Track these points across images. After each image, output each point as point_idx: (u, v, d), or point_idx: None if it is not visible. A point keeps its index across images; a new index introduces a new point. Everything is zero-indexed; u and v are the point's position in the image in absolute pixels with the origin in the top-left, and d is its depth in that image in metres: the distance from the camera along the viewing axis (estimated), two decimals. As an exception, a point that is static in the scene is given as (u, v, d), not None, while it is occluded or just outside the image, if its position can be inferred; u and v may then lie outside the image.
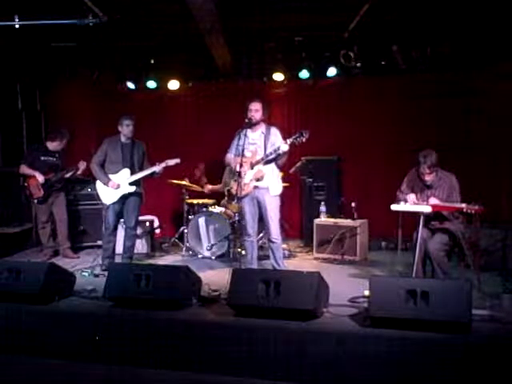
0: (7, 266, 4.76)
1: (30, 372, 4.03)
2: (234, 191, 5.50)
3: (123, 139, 5.93)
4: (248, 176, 5.30)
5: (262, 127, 5.39)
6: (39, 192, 6.42)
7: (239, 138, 5.28)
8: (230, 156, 5.51)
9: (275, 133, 5.39)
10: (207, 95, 7.86)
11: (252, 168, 5.31)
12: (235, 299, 4.23)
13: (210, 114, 7.82)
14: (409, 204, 4.88)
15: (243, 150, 5.25)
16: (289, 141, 5.16)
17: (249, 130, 5.31)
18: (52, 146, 6.61)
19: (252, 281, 4.20)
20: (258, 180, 5.31)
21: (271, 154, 5.24)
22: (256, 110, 5.30)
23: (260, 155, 5.30)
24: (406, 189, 5.09)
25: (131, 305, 4.39)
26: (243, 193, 5.30)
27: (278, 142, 5.30)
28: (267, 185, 5.33)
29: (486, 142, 7.11)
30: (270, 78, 7.52)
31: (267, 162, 5.30)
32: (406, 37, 6.65)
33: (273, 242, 5.37)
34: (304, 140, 5.15)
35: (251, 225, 5.42)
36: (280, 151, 5.18)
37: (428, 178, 4.92)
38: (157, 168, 5.87)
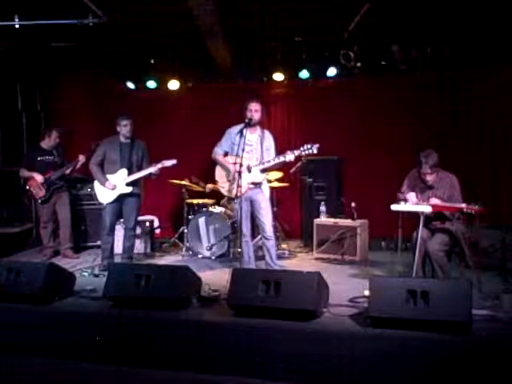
0: (7, 266, 4.76)
1: (30, 372, 4.03)
2: (225, 191, 5.48)
3: (122, 139, 5.93)
4: (245, 179, 5.27)
5: (259, 130, 5.41)
6: (41, 192, 6.43)
7: (240, 137, 5.26)
8: (220, 153, 5.48)
9: (269, 137, 5.42)
10: (207, 95, 7.86)
11: (249, 171, 5.30)
12: (235, 299, 4.23)
13: (209, 114, 7.82)
14: (409, 204, 4.88)
15: (243, 150, 5.24)
16: (296, 152, 5.17)
17: (246, 129, 5.29)
18: (44, 144, 6.62)
19: (252, 281, 4.20)
20: (255, 184, 5.32)
21: (274, 160, 5.25)
22: (256, 110, 5.30)
23: (256, 157, 5.32)
24: (407, 189, 5.09)
25: (131, 305, 4.38)
26: (238, 194, 5.30)
27: (272, 148, 5.37)
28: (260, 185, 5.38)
29: (486, 141, 7.12)
30: (269, 78, 7.52)
31: (266, 168, 5.31)
32: (406, 37, 6.65)
33: (267, 239, 5.39)
34: (315, 152, 5.16)
35: (245, 224, 5.41)
36: (286, 160, 5.20)
37: (429, 178, 4.92)
38: (153, 169, 5.85)
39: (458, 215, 4.87)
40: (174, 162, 5.86)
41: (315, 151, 5.12)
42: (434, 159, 4.86)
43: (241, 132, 5.24)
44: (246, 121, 5.23)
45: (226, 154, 5.43)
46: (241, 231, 5.40)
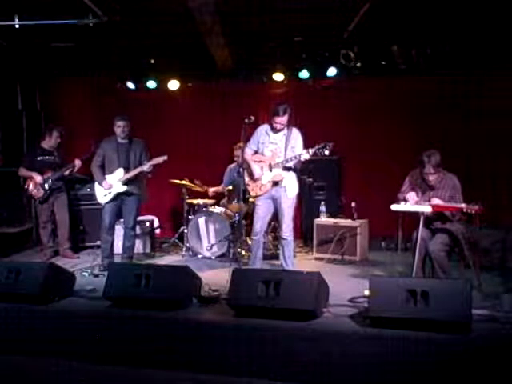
0: (7, 267, 4.76)
1: (30, 372, 4.04)
2: (251, 190, 5.49)
3: (119, 139, 5.94)
4: (266, 177, 5.32)
5: (285, 129, 5.40)
6: (39, 192, 6.43)
7: (261, 135, 5.34)
8: (250, 152, 5.48)
9: (296, 136, 5.38)
10: (207, 95, 7.86)
11: (270, 170, 5.32)
12: (235, 299, 4.23)
13: (209, 114, 7.82)
14: (409, 204, 4.87)
15: (263, 149, 5.32)
16: (311, 151, 5.15)
17: (271, 129, 5.35)
18: (45, 144, 6.62)
19: (252, 281, 4.20)
20: (276, 183, 5.32)
21: (291, 159, 5.25)
22: (282, 123, 5.30)
23: (279, 156, 5.31)
24: (407, 189, 5.08)
25: (131, 305, 4.39)
26: (260, 193, 5.33)
27: (298, 146, 5.31)
28: (284, 185, 5.34)
29: (485, 141, 7.11)
30: (269, 78, 7.51)
31: (288, 168, 5.32)
32: (406, 37, 6.65)
33: (283, 239, 5.39)
34: (327, 153, 5.17)
35: (261, 223, 5.43)
36: (301, 159, 5.20)
37: (431, 178, 4.90)
38: (145, 167, 5.85)
39: (459, 216, 4.86)
40: (164, 158, 5.85)
41: (330, 149, 5.13)
42: (437, 159, 4.85)
43: (263, 129, 5.37)
44: (246, 121, 5.23)
45: (256, 153, 5.45)
46: (253, 229, 5.45)
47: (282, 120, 5.29)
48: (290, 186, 5.37)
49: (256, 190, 5.38)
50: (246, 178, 5.58)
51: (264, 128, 5.42)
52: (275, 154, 5.34)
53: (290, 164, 5.29)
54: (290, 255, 5.46)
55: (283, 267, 5.36)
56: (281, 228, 5.43)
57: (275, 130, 5.37)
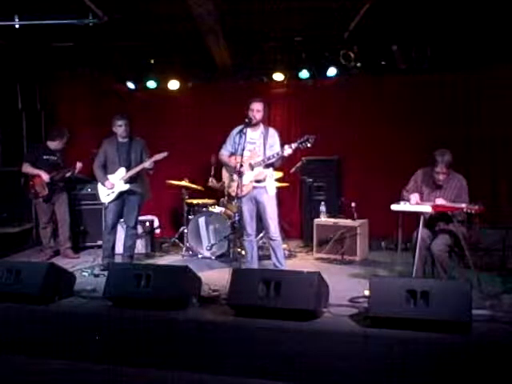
0: (7, 267, 4.76)
1: (30, 372, 4.03)
2: (232, 191, 5.49)
3: (119, 138, 5.95)
4: (247, 177, 5.29)
5: (261, 127, 5.39)
6: (44, 191, 6.43)
7: (240, 137, 5.25)
8: (226, 154, 5.48)
9: (273, 134, 5.38)
10: (207, 95, 7.86)
11: (252, 169, 5.31)
12: (235, 299, 4.23)
13: (209, 114, 7.82)
14: (409, 204, 4.87)
15: (243, 149, 5.24)
16: (294, 145, 5.14)
17: (248, 129, 5.30)
18: (53, 145, 6.62)
19: (252, 281, 4.20)
20: (258, 182, 5.31)
21: (273, 157, 5.23)
22: (258, 110, 5.28)
23: (259, 155, 5.30)
24: (413, 188, 5.07)
25: (131, 305, 4.39)
26: (242, 193, 5.30)
27: (276, 144, 5.31)
28: (265, 184, 5.33)
29: (485, 141, 7.11)
30: (270, 78, 7.52)
31: (267, 165, 5.30)
32: (406, 37, 6.65)
33: (273, 240, 5.37)
34: (309, 145, 5.14)
35: (250, 224, 5.41)
36: (284, 154, 5.18)
37: (442, 178, 4.89)
38: (146, 164, 5.85)
39: (462, 217, 4.84)
40: (164, 154, 5.86)
41: (312, 142, 5.11)
42: (450, 158, 4.85)
43: (241, 131, 5.24)
44: (246, 120, 5.22)
45: (232, 155, 5.43)
46: (245, 230, 5.41)
47: (258, 107, 5.26)
48: (270, 184, 5.37)
49: (238, 191, 5.22)
50: (226, 180, 5.58)
51: (239, 129, 5.31)
52: (254, 154, 5.32)
53: (272, 161, 5.27)
54: (283, 255, 5.48)
55: (277, 268, 5.32)
56: (269, 229, 5.37)
57: (252, 127, 5.30)
